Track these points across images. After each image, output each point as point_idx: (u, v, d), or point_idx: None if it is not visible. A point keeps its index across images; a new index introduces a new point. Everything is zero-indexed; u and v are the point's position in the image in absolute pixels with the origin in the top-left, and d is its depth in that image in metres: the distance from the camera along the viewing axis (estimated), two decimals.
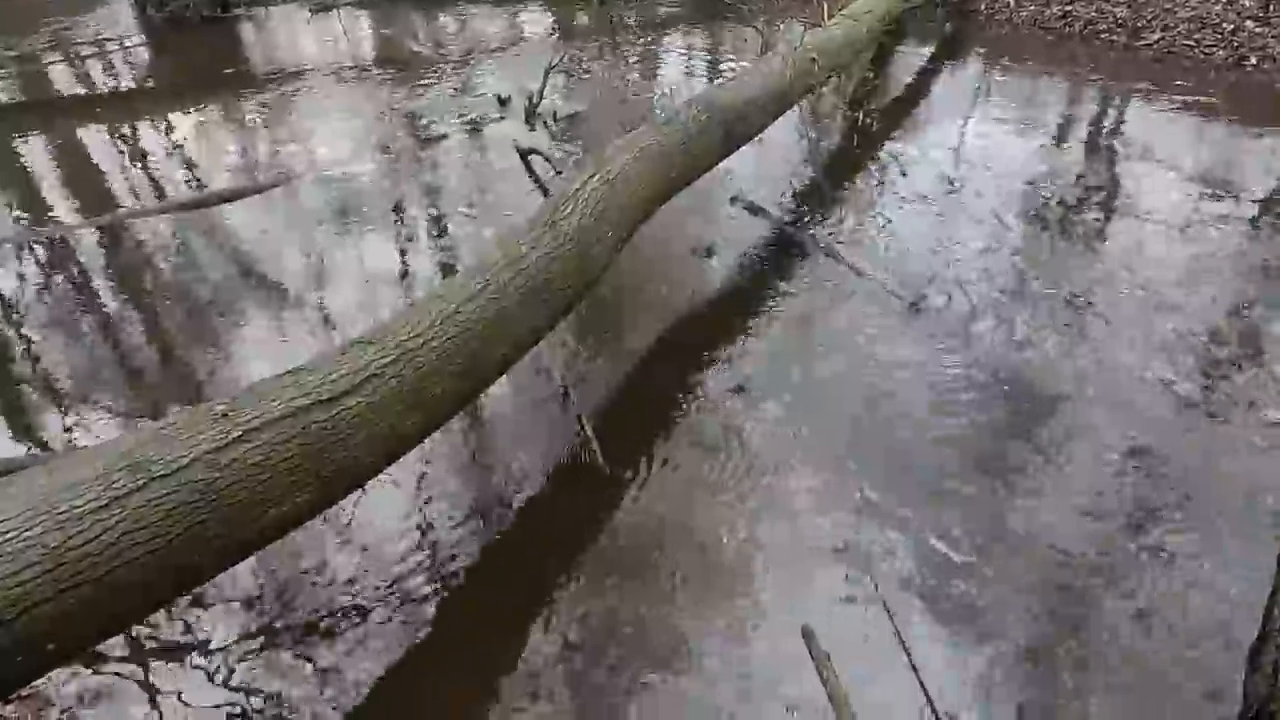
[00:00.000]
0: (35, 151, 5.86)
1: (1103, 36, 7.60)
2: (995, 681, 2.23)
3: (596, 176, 2.98)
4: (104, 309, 4.04)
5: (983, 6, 8.39)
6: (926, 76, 6.93)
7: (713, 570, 2.56)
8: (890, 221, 4.56)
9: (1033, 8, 8.11)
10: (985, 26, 8.12)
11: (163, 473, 1.58)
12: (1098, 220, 4.61)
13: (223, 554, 1.68)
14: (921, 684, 2.13)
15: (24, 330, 3.87)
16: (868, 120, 4.75)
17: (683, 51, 7.81)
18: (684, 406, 3.27)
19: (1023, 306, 3.82)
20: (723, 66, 7.32)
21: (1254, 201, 4.71)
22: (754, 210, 4.65)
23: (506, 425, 3.25)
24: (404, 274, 4.29)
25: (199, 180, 5.29)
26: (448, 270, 4.28)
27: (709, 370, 3.47)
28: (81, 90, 7.19)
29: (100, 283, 4.27)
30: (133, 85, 7.30)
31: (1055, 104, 6.32)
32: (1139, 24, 7.55)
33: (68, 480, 1.51)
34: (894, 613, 2.35)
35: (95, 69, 7.57)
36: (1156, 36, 7.39)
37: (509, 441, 3.16)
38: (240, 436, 1.71)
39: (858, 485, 2.84)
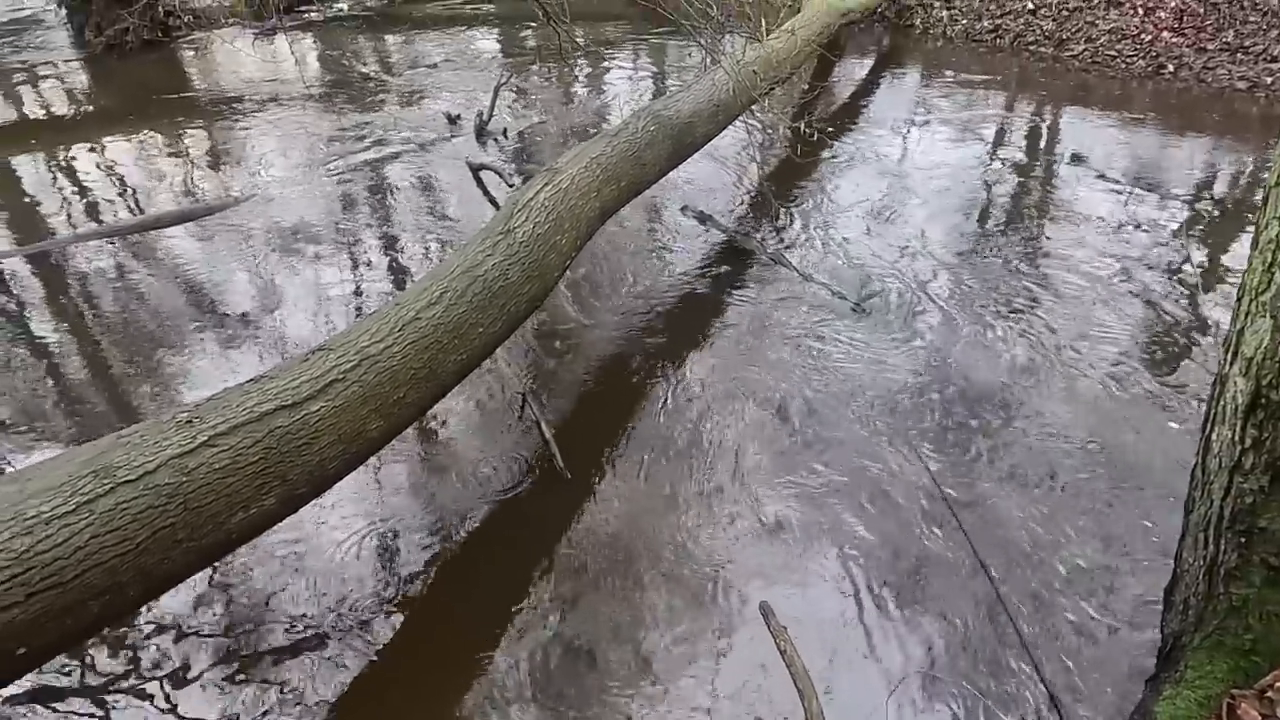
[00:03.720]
0: None
1: (1031, 48, 7.94)
2: None
3: (549, 186, 3.05)
4: (40, 338, 3.94)
5: (918, 22, 8.69)
6: (866, 88, 7.17)
7: (671, 578, 2.62)
8: (834, 228, 4.72)
9: (965, 22, 8.43)
10: (921, 40, 8.42)
11: (129, 478, 1.61)
12: (1032, 222, 4.83)
13: (192, 556, 1.70)
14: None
15: None
16: (810, 131, 4.92)
17: (630, 68, 7.96)
18: (643, 407, 3.35)
19: (962, 303, 3.99)
20: (669, 82, 7.48)
21: (1182, 202, 5.00)
22: (703, 219, 4.77)
23: (465, 433, 3.29)
24: (354, 292, 4.28)
25: (138, 205, 5.21)
26: (400, 287, 4.30)
27: (666, 370, 3.56)
28: (15, 116, 7.05)
29: (37, 311, 4.16)
30: (70, 111, 7.17)
31: (989, 113, 6.59)
32: (1064, 36, 7.91)
33: (35, 488, 1.52)
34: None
35: (31, 95, 7.43)
36: (1081, 48, 7.75)
37: (468, 450, 3.20)
38: (206, 441, 1.74)
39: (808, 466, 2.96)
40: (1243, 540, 1.70)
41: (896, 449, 3.09)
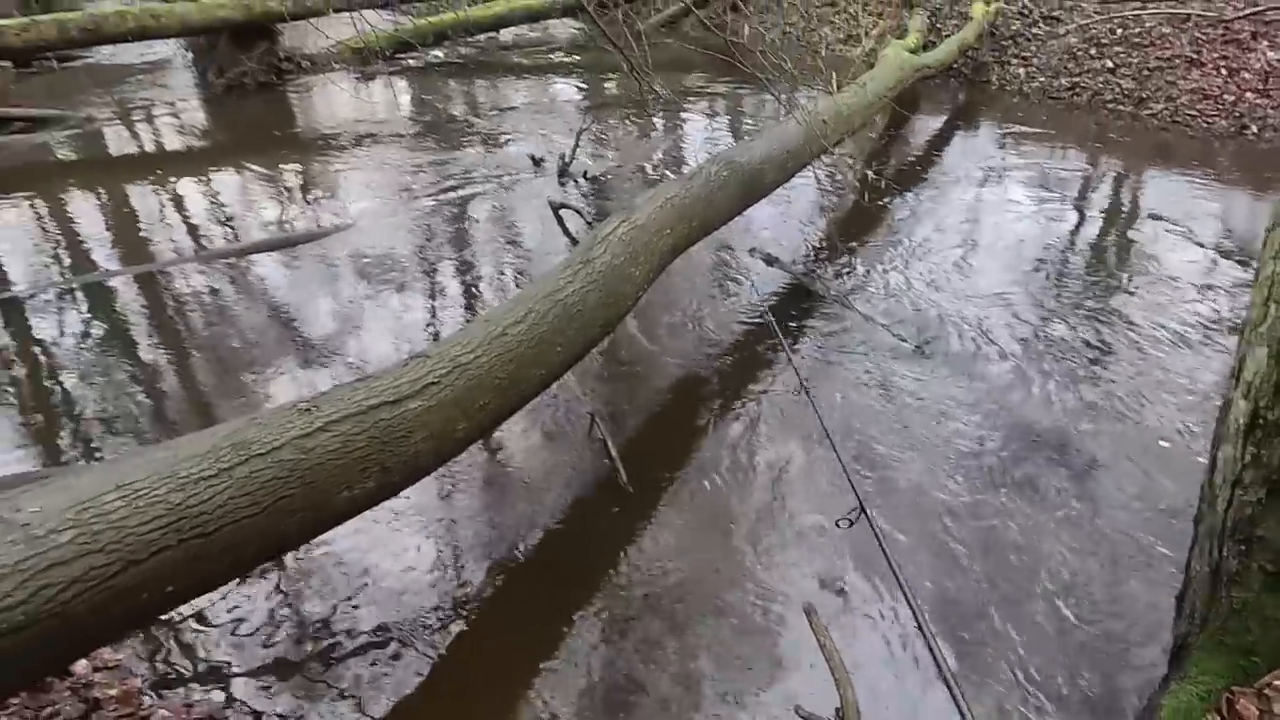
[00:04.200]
0: (92, 204, 6.31)
1: (1110, 106, 7.98)
2: None
3: (626, 222, 3.31)
4: (138, 353, 4.26)
5: (994, 78, 8.83)
6: (939, 141, 7.32)
7: (725, 606, 2.75)
8: (899, 274, 4.86)
9: (1042, 79, 8.53)
10: (997, 96, 8.55)
11: (260, 452, 1.87)
12: (1105, 281, 4.85)
13: (304, 525, 1.96)
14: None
15: (62, 370, 4.10)
16: (879, 180, 5.11)
17: (705, 116, 8.29)
18: (703, 433, 3.54)
19: (1031, 355, 4.06)
20: (742, 130, 7.76)
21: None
22: (770, 261, 4.97)
23: (533, 448, 3.52)
24: (432, 319, 4.55)
25: (238, 232, 5.65)
26: (464, 306, 4.60)
27: (731, 403, 3.74)
28: (141, 148, 7.76)
29: (139, 328, 4.50)
30: (190, 145, 7.85)
31: (1065, 169, 6.65)
32: (1144, 95, 7.93)
33: (184, 454, 1.80)
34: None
35: (157, 130, 8.15)
36: (1160, 107, 7.75)
37: (535, 463, 3.42)
38: (321, 427, 2.00)
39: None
40: (1243, 548, 1.86)
41: (955, 493, 3.19)
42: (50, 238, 5.68)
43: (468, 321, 4.47)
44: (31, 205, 6.19)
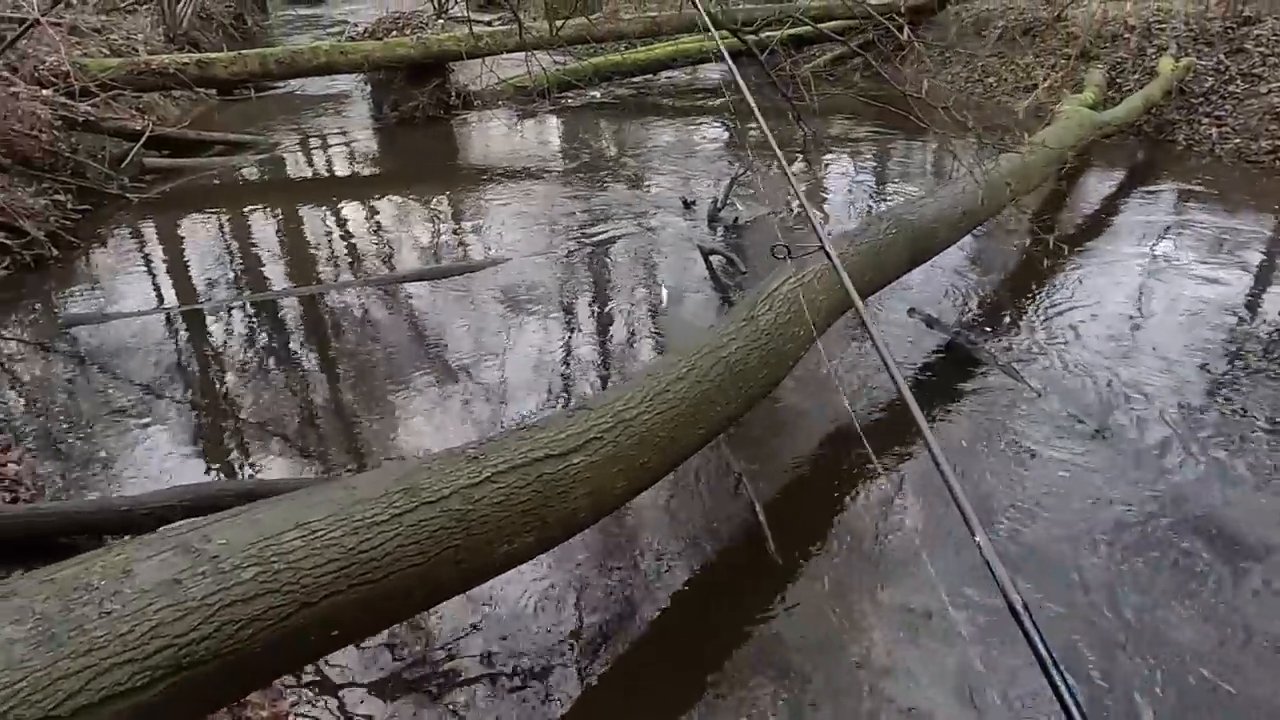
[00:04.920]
0: (272, 224, 6.78)
1: None
2: None
3: (792, 279, 3.19)
4: (298, 367, 4.52)
5: (1181, 138, 8.19)
6: (1114, 201, 6.82)
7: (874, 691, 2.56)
8: (1070, 343, 4.48)
9: (1238, 141, 7.83)
10: (1183, 158, 7.91)
11: (430, 499, 1.86)
12: None
13: (464, 576, 1.93)
14: None
15: (227, 378, 4.43)
16: (1050, 240, 4.76)
17: (862, 165, 8.07)
18: (853, 501, 3.34)
19: (1220, 443, 3.64)
20: (896, 179, 7.50)
21: None
22: (930, 323, 4.71)
23: (677, 503, 3.42)
24: (568, 355, 4.57)
25: (399, 259, 5.92)
26: (616, 356, 4.60)
27: (884, 467, 3.52)
28: (315, 173, 8.34)
29: (294, 342, 4.80)
30: (359, 172, 8.37)
31: (1259, 237, 6.03)
32: None
33: (360, 495, 1.81)
34: None
35: (332, 157, 8.74)
36: None
37: (677, 519, 3.31)
38: (489, 477, 1.98)
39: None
40: None
41: (1136, 608, 2.86)
42: (233, 254, 6.15)
43: (605, 360, 4.49)
44: (221, 223, 6.73)
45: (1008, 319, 4.78)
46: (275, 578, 1.59)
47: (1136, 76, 8.86)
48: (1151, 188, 7.21)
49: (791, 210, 6.65)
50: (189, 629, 1.47)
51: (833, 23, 9.28)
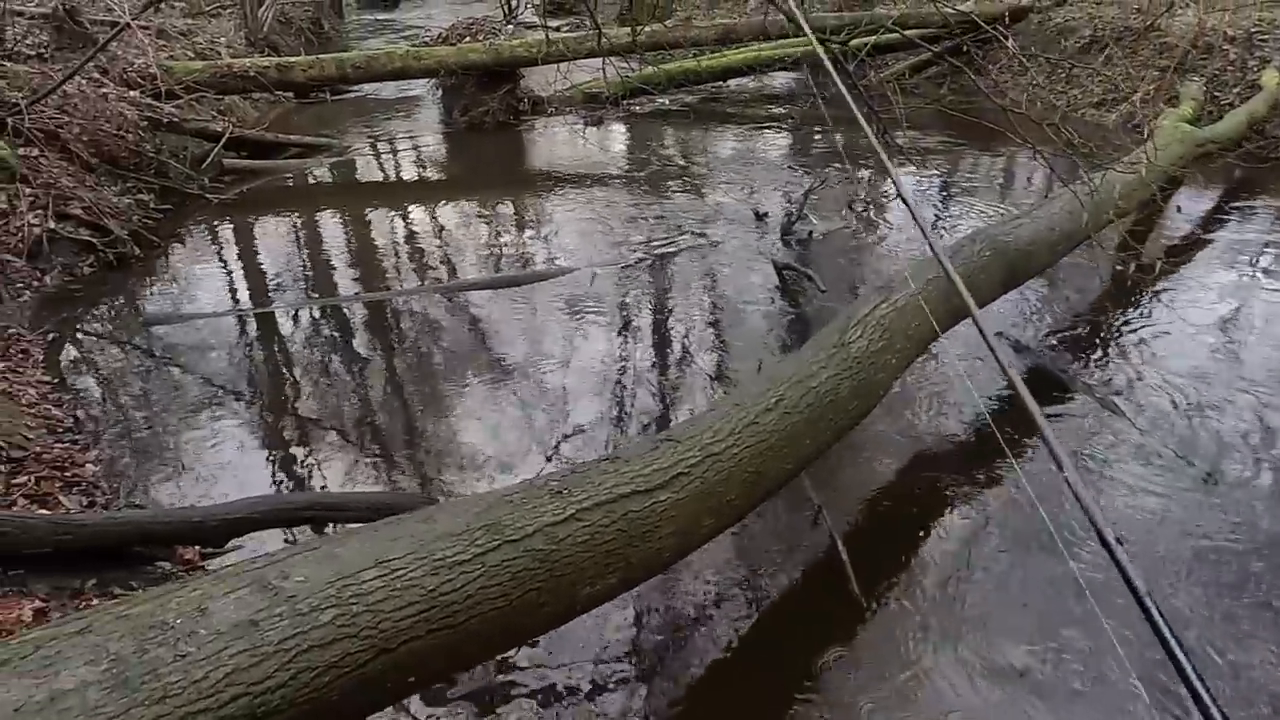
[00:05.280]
0: (342, 226, 6.83)
1: None
2: None
3: (886, 304, 3.02)
4: (366, 371, 4.51)
5: None
6: (1211, 221, 6.43)
7: None
8: (1169, 373, 4.19)
9: None
10: None
11: (513, 537, 1.76)
12: None
13: (547, 619, 1.82)
14: None
15: (297, 380, 4.44)
16: (1139, 259, 4.47)
17: (952, 180, 7.73)
18: (937, 540, 3.14)
19: None
20: (1002, 202, 7.09)
21: None
22: (1018, 349, 4.47)
23: (752, 534, 3.26)
24: (625, 368, 4.47)
25: (465, 264, 5.89)
26: (678, 372, 4.49)
27: (972, 502, 3.32)
28: (385, 176, 8.40)
29: (362, 347, 4.79)
30: (428, 176, 8.42)
31: None
32: None
33: (441, 530, 1.71)
34: None
35: (402, 160, 8.81)
36: None
37: (752, 551, 3.16)
38: (574, 515, 1.87)
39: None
40: None
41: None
42: (304, 257, 6.20)
43: (678, 374, 4.37)
44: (294, 225, 6.81)
45: (1097, 344, 4.51)
46: (353, 621, 1.50)
47: (1237, 90, 8.39)
48: (1250, 206, 6.79)
49: (860, 224, 6.45)
50: (264, 675, 1.38)
51: (913, 31, 8.99)
